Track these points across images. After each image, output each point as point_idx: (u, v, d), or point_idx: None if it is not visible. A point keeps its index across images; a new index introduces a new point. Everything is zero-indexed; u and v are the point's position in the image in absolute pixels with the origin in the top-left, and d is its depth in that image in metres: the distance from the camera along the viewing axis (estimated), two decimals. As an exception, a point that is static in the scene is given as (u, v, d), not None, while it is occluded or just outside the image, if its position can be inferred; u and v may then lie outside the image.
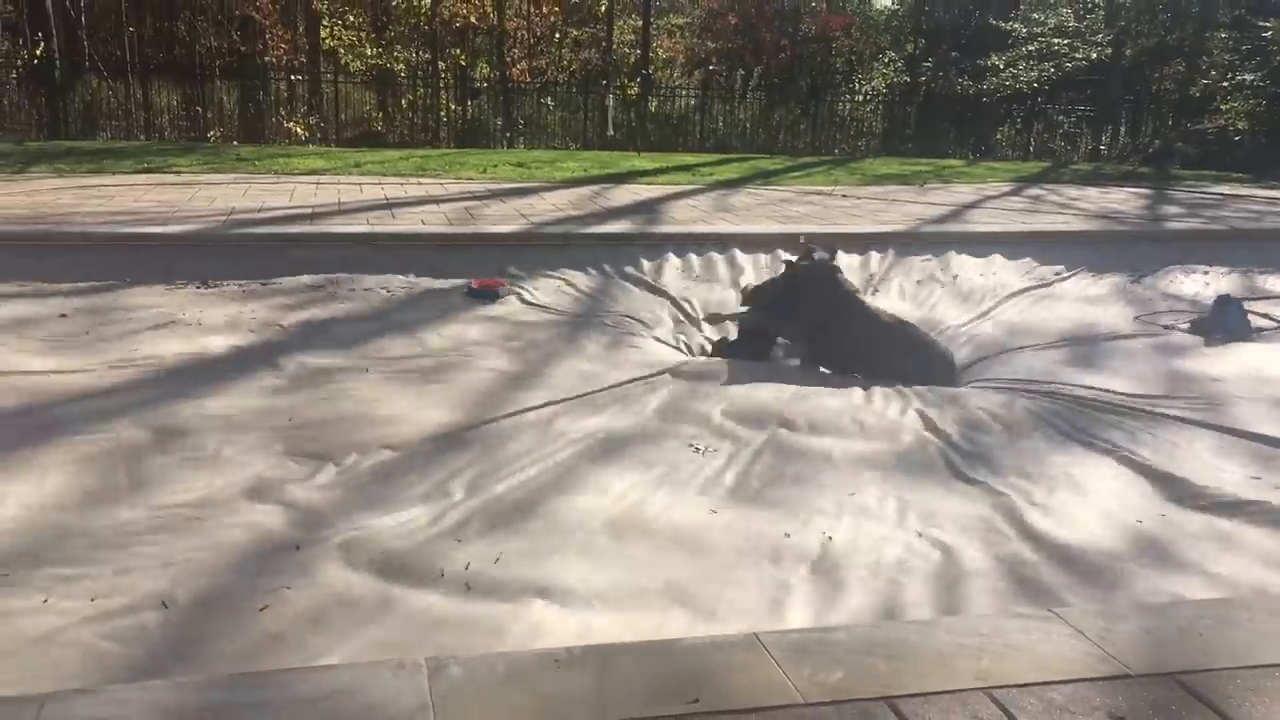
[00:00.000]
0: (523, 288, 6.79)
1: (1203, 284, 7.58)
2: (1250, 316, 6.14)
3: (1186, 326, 6.10)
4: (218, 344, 5.32)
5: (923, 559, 3.09)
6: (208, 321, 5.75)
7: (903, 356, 5.24)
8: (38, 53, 16.48)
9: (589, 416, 4.34)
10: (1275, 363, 5.42)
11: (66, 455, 3.72)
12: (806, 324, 5.56)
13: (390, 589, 2.81)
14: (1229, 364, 5.35)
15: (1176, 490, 3.66)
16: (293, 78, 20.08)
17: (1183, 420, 4.42)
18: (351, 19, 22.97)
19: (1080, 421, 4.41)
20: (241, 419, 4.18)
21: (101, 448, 3.80)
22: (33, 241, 6.98)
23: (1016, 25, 22.59)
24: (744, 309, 5.82)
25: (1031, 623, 2.41)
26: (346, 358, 5.15)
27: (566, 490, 3.55)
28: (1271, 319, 6.30)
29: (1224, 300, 6.23)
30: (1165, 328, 6.11)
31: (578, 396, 4.59)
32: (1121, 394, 4.77)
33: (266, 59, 20.58)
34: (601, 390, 4.70)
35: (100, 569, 2.88)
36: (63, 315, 5.73)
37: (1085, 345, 5.75)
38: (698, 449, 4.03)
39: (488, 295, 6.59)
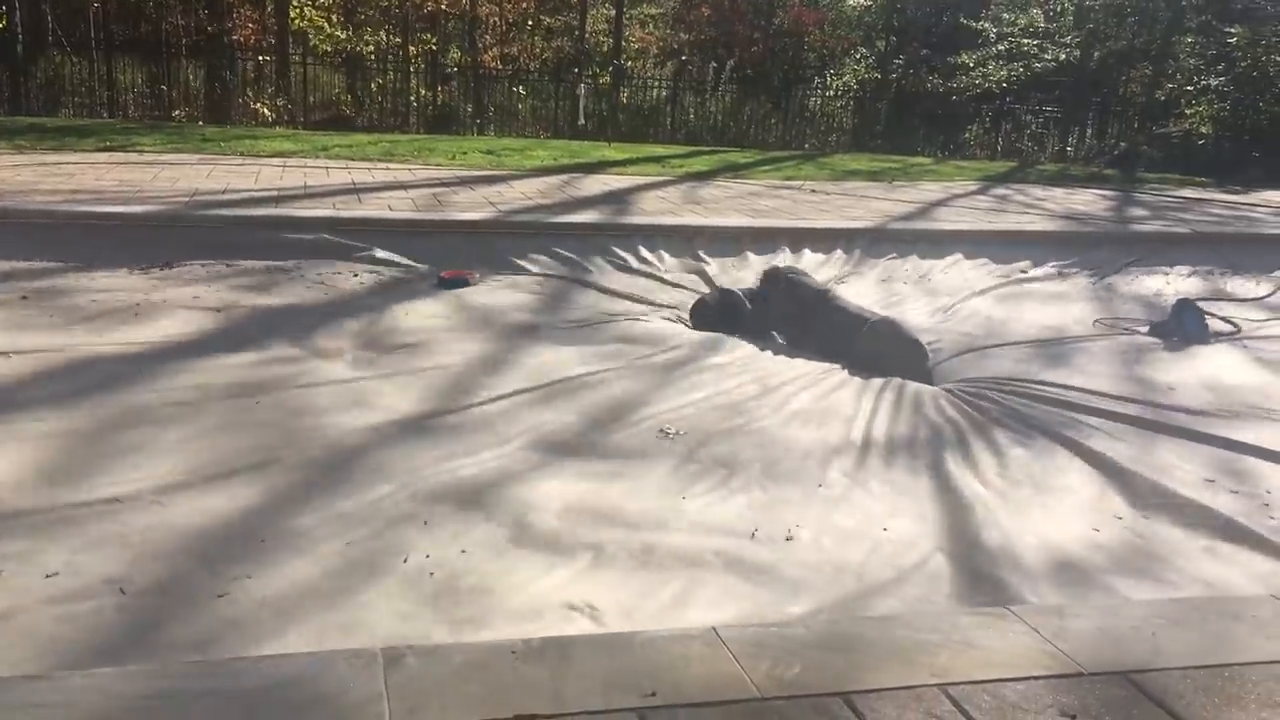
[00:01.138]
0: (492, 277, 6.75)
1: (1164, 284, 7.67)
2: (1209, 319, 6.21)
3: (1146, 329, 6.16)
4: (180, 326, 5.25)
5: (885, 553, 3.11)
6: (170, 303, 5.66)
7: (875, 344, 5.31)
8: (-1, 26, 16.19)
9: (560, 401, 4.33)
10: (1230, 366, 5.50)
11: (25, 436, 3.65)
12: (775, 315, 5.73)
13: (350, 578, 2.78)
14: (1186, 368, 5.42)
15: (1133, 491, 3.70)
16: (260, 58, 19.81)
17: (1139, 421, 4.47)
18: (321, 0, 22.72)
19: (1041, 421, 4.45)
20: (204, 402, 4.12)
21: (61, 429, 3.73)
22: (-10, 219, 6.85)
23: (987, 25, 22.77)
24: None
25: (988, 619, 2.43)
26: (311, 342, 5.09)
27: (535, 477, 3.53)
28: (1230, 323, 6.38)
29: (1182, 304, 6.30)
30: (1125, 330, 6.17)
31: (548, 385, 4.58)
32: (1082, 393, 4.82)
33: (234, 38, 20.30)
34: (571, 378, 4.69)
35: (57, 548, 2.83)
36: (23, 297, 5.63)
37: (1047, 346, 5.80)
38: (667, 433, 4.04)
39: (457, 283, 6.54)
